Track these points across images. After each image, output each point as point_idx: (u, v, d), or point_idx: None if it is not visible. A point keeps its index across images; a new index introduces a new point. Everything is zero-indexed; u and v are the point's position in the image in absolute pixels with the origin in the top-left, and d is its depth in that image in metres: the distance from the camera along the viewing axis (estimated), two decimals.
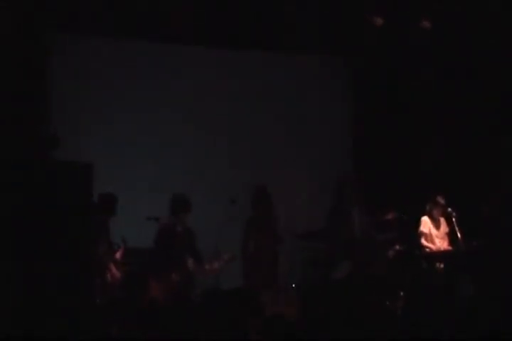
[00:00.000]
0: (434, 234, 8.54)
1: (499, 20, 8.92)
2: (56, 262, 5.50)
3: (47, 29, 8.29)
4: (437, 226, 8.57)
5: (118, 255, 7.58)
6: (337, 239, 8.35)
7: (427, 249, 8.45)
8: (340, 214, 8.48)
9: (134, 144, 9.15)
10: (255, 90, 9.85)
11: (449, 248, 8.47)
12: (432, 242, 8.51)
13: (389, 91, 10.16)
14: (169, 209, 7.56)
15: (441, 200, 8.44)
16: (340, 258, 8.24)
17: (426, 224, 8.54)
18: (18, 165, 5.63)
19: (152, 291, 7.15)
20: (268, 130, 9.83)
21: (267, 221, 8.22)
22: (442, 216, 8.52)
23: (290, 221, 9.43)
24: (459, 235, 8.14)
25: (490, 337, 6.49)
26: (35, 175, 5.57)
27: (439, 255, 8.35)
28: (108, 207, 7.49)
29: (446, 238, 8.56)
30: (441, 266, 8.14)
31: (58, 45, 8.65)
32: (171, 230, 7.39)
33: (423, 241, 8.50)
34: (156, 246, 7.40)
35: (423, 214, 8.59)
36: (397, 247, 8.23)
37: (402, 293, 7.68)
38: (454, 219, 8.25)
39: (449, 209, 8.34)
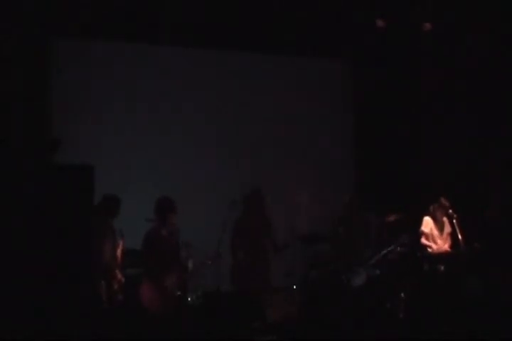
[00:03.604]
0: (435, 234, 8.55)
1: (499, 20, 8.92)
2: (58, 264, 5.51)
3: (48, 31, 8.27)
4: (440, 227, 8.58)
5: (119, 251, 7.56)
6: (344, 243, 8.36)
7: (428, 249, 8.46)
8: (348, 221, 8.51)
9: (135, 145, 9.14)
10: (255, 91, 9.84)
11: (451, 249, 8.47)
12: (434, 243, 8.52)
13: (389, 92, 10.16)
14: (154, 210, 7.53)
15: (445, 202, 8.45)
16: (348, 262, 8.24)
17: (428, 224, 8.55)
18: (19, 168, 5.64)
19: (142, 294, 7.12)
20: (268, 131, 9.82)
21: (258, 222, 8.13)
22: (445, 217, 8.53)
23: (291, 223, 9.46)
24: (460, 237, 8.14)
25: (491, 337, 6.50)
26: (35, 177, 5.58)
27: (441, 256, 8.35)
28: (111, 209, 7.48)
29: (448, 239, 8.56)
30: (443, 267, 8.14)
31: (59, 47, 8.64)
32: (157, 233, 7.36)
33: (424, 240, 8.51)
34: (143, 250, 7.37)
35: (425, 215, 8.59)
36: (399, 249, 8.23)
37: (402, 295, 7.69)
38: (455, 221, 8.26)
39: (451, 211, 8.35)
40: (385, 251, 8.13)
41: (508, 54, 8.97)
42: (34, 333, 5.34)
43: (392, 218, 8.41)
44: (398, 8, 9.15)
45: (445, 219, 8.54)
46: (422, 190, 9.30)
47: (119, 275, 7.30)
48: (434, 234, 8.55)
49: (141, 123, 9.25)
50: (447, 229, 8.55)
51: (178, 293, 7.34)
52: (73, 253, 5.56)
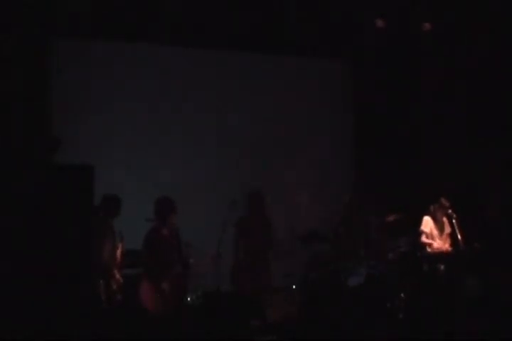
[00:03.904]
0: (435, 234, 8.55)
1: (499, 20, 8.92)
2: (58, 264, 5.51)
3: (48, 31, 8.27)
4: (439, 227, 8.57)
5: (118, 252, 7.56)
6: (344, 243, 8.36)
7: (429, 247, 8.44)
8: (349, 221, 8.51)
9: (135, 145, 9.14)
10: (255, 91, 9.84)
11: (450, 249, 8.47)
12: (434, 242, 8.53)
13: (389, 92, 10.16)
14: (154, 211, 7.54)
15: (445, 202, 8.45)
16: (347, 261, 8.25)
17: (427, 223, 8.54)
18: (19, 168, 5.64)
19: (142, 294, 7.13)
20: (268, 131, 9.82)
21: (259, 222, 8.09)
22: (445, 217, 8.53)
23: (291, 223, 9.46)
24: (459, 237, 8.15)
25: (490, 337, 6.50)
26: (35, 177, 5.57)
27: (440, 256, 8.34)
28: (111, 209, 7.46)
29: (448, 239, 8.56)
30: (442, 267, 8.14)
31: (59, 47, 8.63)
32: (158, 233, 7.37)
33: (424, 238, 8.49)
34: (144, 249, 7.39)
35: (425, 214, 8.59)
36: (398, 248, 8.24)
37: (402, 295, 7.69)
38: (455, 221, 8.26)
39: (450, 211, 8.35)
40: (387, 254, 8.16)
41: (508, 54, 8.97)
42: (34, 333, 5.34)
43: (391, 218, 8.41)
44: (398, 8, 9.15)
45: (445, 219, 8.54)
46: (422, 190, 9.30)
47: (118, 276, 7.30)
48: (433, 233, 8.55)
49: (141, 123, 9.25)
50: (447, 229, 8.55)
51: (178, 293, 7.34)
52: (73, 253, 5.57)
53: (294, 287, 8.30)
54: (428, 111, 9.97)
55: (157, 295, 7.09)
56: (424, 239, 8.51)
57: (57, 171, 5.81)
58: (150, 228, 7.52)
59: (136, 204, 8.79)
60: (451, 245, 8.50)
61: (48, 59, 8.50)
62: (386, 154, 10.06)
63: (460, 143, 9.54)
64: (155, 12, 8.72)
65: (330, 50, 9.99)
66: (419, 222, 8.56)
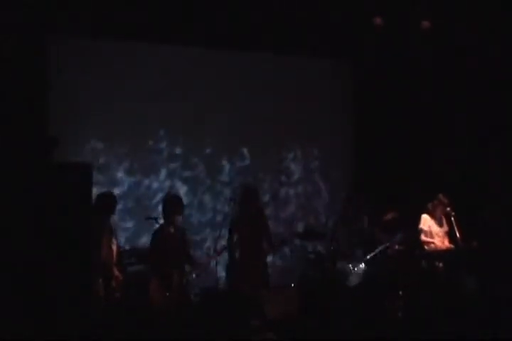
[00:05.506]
0: (434, 231, 8.52)
1: (499, 20, 8.92)
2: (58, 263, 5.52)
3: (47, 29, 8.27)
4: (438, 225, 8.55)
5: (115, 249, 7.53)
6: (343, 242, 8.36)
7: (430, 245, 8.42)
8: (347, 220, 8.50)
9: (135, 145, 9.14)
10: (255, 91, 9.84)
11: (449, 247, 8.46)
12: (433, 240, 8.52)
13: (389, 92, 10.16)
14: (162, 210, 7.55)
15: (443, 198, 8.43)
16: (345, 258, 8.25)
17: (426, 221, 8.51)
18: (17, 166, 5.65)
19: (150, 292, 7.16)
20: (268, 130, 9.82)
21: (255, 220, 8.01)
22: (444, 214, 8.51)
23: (291, 222, 9.48)
24: (457, 234, 8.14)
25: (489, 336, 6.51)
26: (34, 175, 5.59)
27: (439, 254, 8.34)
28: (108, 207, 7.45)
29: (446, 237, 8.55)
30: (441, 265, 8.14)
31: (59, 48, 8.63)
32: (164, 231, 7.38)
33: (424, 237, 8.47)
34: (151, 248, 7.41)
35: (423, 212, 8.59)
36: (397, 247, 8.25)
37: (401, 293, 7.70)
38: (452, 219, 8.25)
39: (448, 209, 8.35)
40: (380, 248, 8.16)
41: (508, 54, 8.97)
42: (34, 333, 5.35)
43: (389, 216, 8.41)
44: (398, 8, 9.15)
45: (443, 216, 8.52)
46: (422, 190, 9.30)
47: (117, 273, 7.29)
48: (433, 231, 8.51)
49: (141, 123, 9.24)
50: (445, 226, 8.53)
51: (185, 290, 7.38)
52: (72, 252, 5.58)
53: (292, 285, 8.30)
54: (428, 111, 9.97)
55: (165, 292, 7.12)
56: (423, 237, 8.48)
57: (56, 170, 5.83)
58: (157, 226, 7.54)
59: (135, 204, 8.82)
60: (450, 243, 8.49)
61: (48, 59, 8.50)
62: (386, 154, 10.06)
63: (460, 143, 9.54)
64: (155, 12, 8.71)
65: (330, 50, 9.99)
66: (417, 220, 8.55)
